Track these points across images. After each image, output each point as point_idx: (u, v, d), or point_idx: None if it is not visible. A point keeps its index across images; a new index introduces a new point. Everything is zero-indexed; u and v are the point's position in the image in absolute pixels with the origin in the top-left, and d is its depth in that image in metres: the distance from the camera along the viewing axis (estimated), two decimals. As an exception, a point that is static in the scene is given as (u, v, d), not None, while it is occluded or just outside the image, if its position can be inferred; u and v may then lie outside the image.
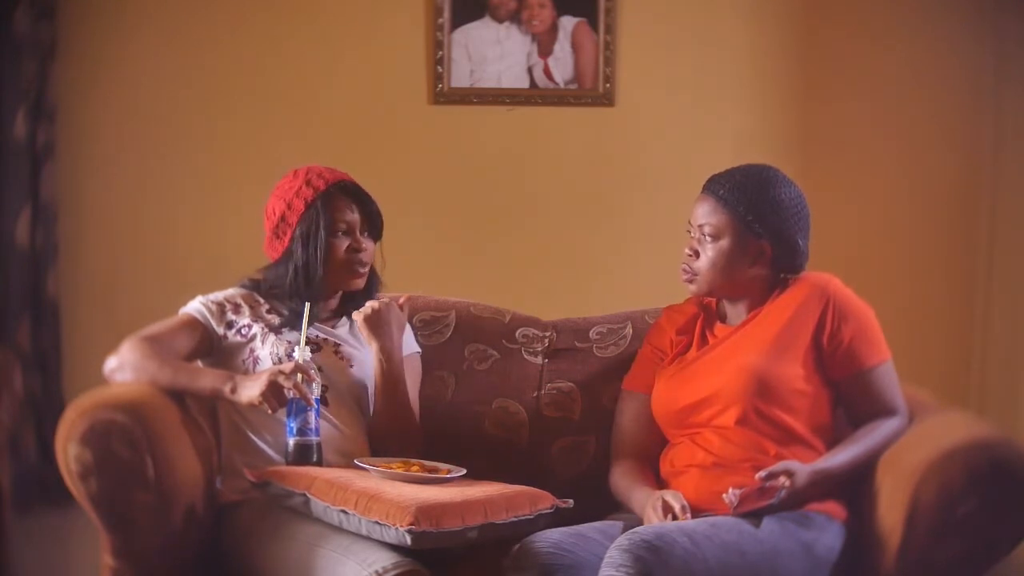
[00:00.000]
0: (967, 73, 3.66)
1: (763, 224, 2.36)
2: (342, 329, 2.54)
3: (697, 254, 2.40)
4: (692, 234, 2.42)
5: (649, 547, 2.03)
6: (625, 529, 2.18)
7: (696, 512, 2.23)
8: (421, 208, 3.63)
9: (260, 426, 2.41)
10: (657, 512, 2.23)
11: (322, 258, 2.45)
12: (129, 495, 2.16)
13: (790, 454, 2.29)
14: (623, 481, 2.42)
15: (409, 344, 2.61)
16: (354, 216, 2.47)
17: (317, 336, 2.49)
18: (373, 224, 2.50)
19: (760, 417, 2.31)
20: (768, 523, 2.18)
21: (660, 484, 2.39)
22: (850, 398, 2.37)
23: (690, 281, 2.42)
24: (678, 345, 2.49)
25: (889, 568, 2.14)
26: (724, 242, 2.37)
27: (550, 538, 2.15)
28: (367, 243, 2.49)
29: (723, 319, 2.48)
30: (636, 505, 2.34)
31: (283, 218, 2.47)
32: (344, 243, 2.47)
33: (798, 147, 3.69)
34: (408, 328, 2.63)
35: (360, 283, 2.52)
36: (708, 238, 2.38)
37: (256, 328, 2.47)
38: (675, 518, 2.21)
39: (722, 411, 2.34)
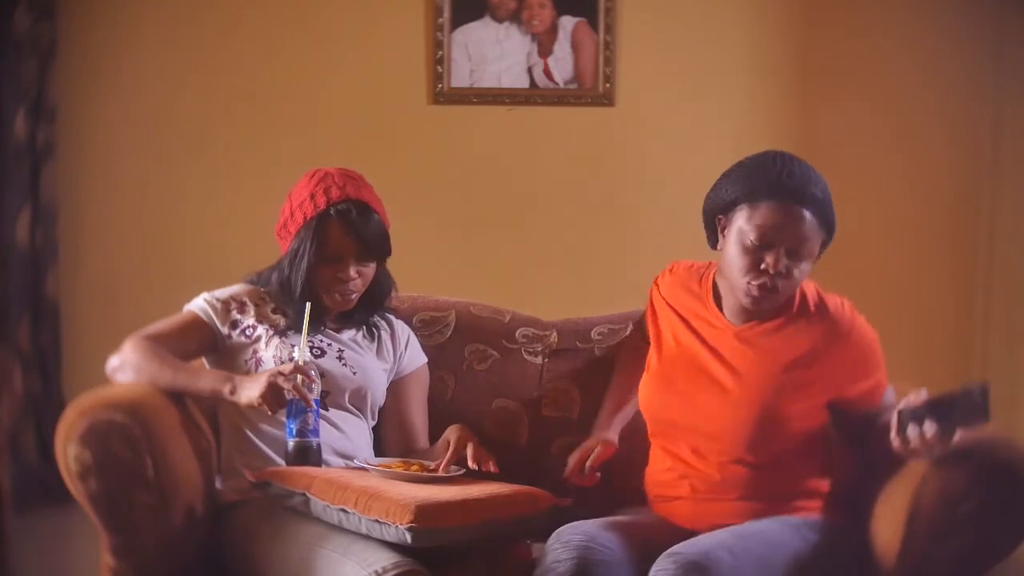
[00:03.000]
0: (967, 73, 3.66)
1: (831, 238, 2.24)
2: (347, 335, 2.53)
3: (784, 273, 2.17)
4: (770, 245, 2.18)
5: (697, 567, 2.01)
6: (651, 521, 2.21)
7: (691, 534, 2.22)
8: (421, 208, 3.63)
9: (259, 424, 2.41)
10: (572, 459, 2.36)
11: (303, 281, 2.41)
12: (129, 495, 2.16)
13: (790, 478, 2.27)
14: (625, 356, 2.55)
15: (417, 357, 2.61)
16: (347, 244, 2.40)
17: (322, 341, 2.48)
18: (370, 251, 2.43)
19: (764, 459, 2.25)
20: (785, 530, 2.18)
21: (641, 498, 2.40)
22: (871, 421, 2.32)
23: (767, 303, 2.21)
24: (680, 311, 2.38)
25: (890, 568, 2.14)
26: (811, 262, 2.21)
27: (587, 531, 2.13)
28: (360, 269, 2.43)
29: (718, 304, 2.34)
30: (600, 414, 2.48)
31: (285, 224, 2.46)
32: (331, 270, 2.41)
33: (798, 147, 3.64)
34: (414, 338, 2.62)
35: (346, 307, 2.47)
36: (800, 255, 2.18)
37: (261, 330, 2.46)
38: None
39: (725, 449, 2.26)
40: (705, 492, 2.28)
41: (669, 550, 2.08)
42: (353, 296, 2.46)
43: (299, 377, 2.28)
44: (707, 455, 2.28)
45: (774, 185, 2.18)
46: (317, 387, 2.33)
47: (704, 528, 2.23)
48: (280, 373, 2.27)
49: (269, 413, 2.29)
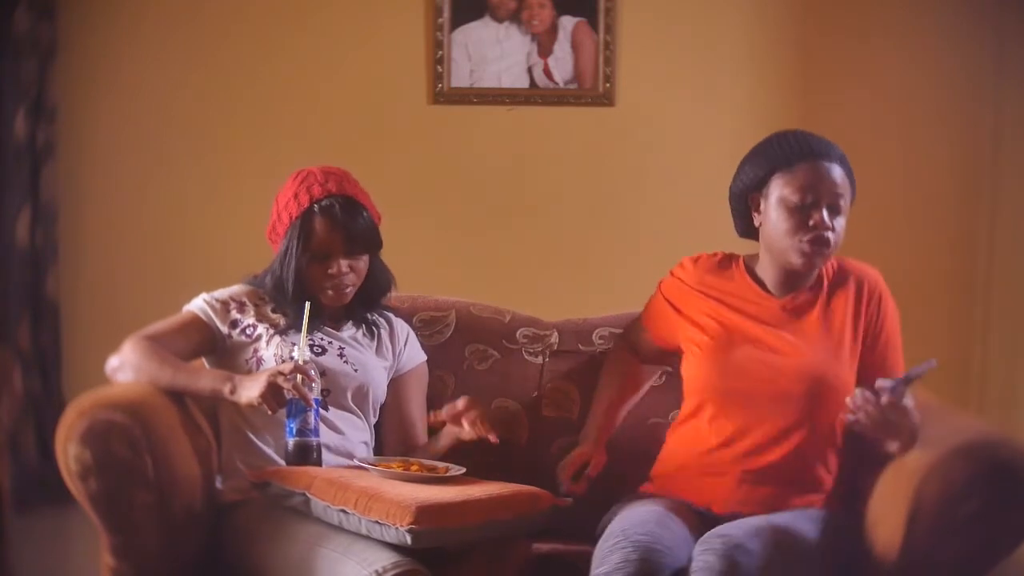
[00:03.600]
0: (967, 71, 3.66)
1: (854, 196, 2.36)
2: (346, 332, 2.53)
3: (831, 228, 2.30)
4: (813, 203, 2.29)
5: (743, 550, 2.03)
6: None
7: (727, 516, 2.26)
8: (421, 208, 3.63)
9: (260, 426, 2.41)
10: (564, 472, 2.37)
11: (294, 280, 2.42)
12: (129, 495, 2.16)
13: (825, 459, 2.32)
14: (611, 368, 2.53)
15: (416, 354, 2.61)
16: (334, 240, 2.41)
17: (322, 339, 2.48)
18: (356, 244, 2.43)
19: (818, 423, 2.30)
20: (806, 522, 2.21)
21: (662, 470, 2.42)
22: None
23: (821, 258, 2.31)
24: (714, 294, 2.43)
25: (891, 567, 2.14)
26: (844, 218, 2.32)
27: (651, 531, 2.13)
28: (351, 264, 2.43)
29: (762, 286, 2.41)
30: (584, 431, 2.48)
31: (274, 227, 2.48)
32: (322, 266, 2.42)
33: (798, 147, 3.69)
34: (414, 336, 2.62)
35: (342, 301, 2.47)
36: (839, 209, 2.30)
37: (261, 329, 2.46)
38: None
39: (779, 414, 2.30)
40: (751, 473, 2.29)
41: (713, 531, 2.10)
42: (347, 290, 2.46)
43: (299, 376, 2.28)
44: (755, 432, 2.30)
45: (804, 149, 2.32)
46: (317, 386, 2.33)
47: (730, 512, 2.26)
48: (280, 372, 2.27)
49: (269, 413, 2.29)
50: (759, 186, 2.36)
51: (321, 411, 2.37)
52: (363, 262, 2.47)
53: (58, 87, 3.53)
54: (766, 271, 2.40)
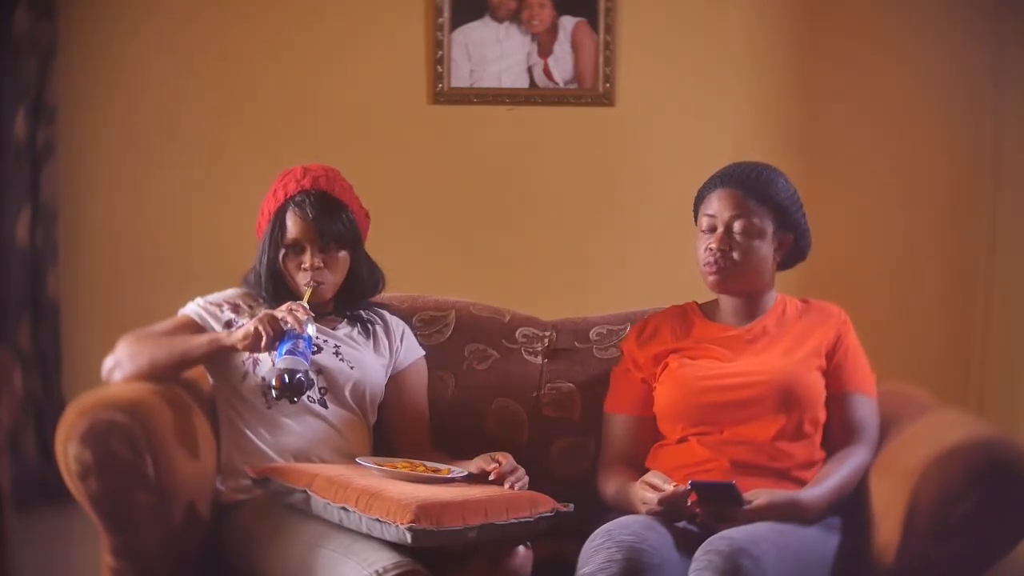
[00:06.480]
0: (966, 73, 3.66)
1: (792, 219, 2.42)
2: (342, 331, 2.53)
3: (728, 249, 2.39)
4: (714, 227, 2.41)
5: (746, 554, 2.03)
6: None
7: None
8: (421, 208, 3.63)
9: (258, 424, 2.41)
10: (645, 495, 2.24)
11: (267, 271, 2.46)
12: (129, 495, 2.16)
13: (807, 474, 2.32)
14: (616, 482, 2.40)
15: (414, 350, 2.61)
16: (305, 232, 2.43)
17: (317, 338, 2.48)
18: (326, 238, 2.44)
19: (792, 415, 2.33)
20: (814, 530, 2.22)
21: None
22: (831, 417, 2.38)
23: (721, 276, 2.41)
24: (676, 348, 2.47)
25: (888, 567, 2.14)
26: (763, 240, 2.40)
27: (636, 531, 2.13)
28: (325, 258, 2.44)
29: (718, 319, 2.49)
30: (635, 500, 2.31)
31: (259, 224, 2.52)
32: (294, 261, 2.45)
33: (798, 147, 3.69)
34: (410, 332, 2.63)
35: (319, 297, 2.46)
36: (749, 234, 2.39)
37: (256, 328, 2.46)
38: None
39: (760, 416, 2.33)
40: (741, 465, 2.30)
41: (718, 535, 2.09)
42: (322, 286, 2.46)
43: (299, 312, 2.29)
44: (732, 429, 2.33)
45: (717, 178, 2.46)
46: (312, 325, 2.32)
47: None
48: (277, 308, 2.30)
49: (263, 347, 2.27)
50: (696, 218, 2.49)
51: (321, 410, 2.39)
52: (340, 258, 2.47)
53: (58, 87, 3.53)
54: (721, 304, 2.51)
